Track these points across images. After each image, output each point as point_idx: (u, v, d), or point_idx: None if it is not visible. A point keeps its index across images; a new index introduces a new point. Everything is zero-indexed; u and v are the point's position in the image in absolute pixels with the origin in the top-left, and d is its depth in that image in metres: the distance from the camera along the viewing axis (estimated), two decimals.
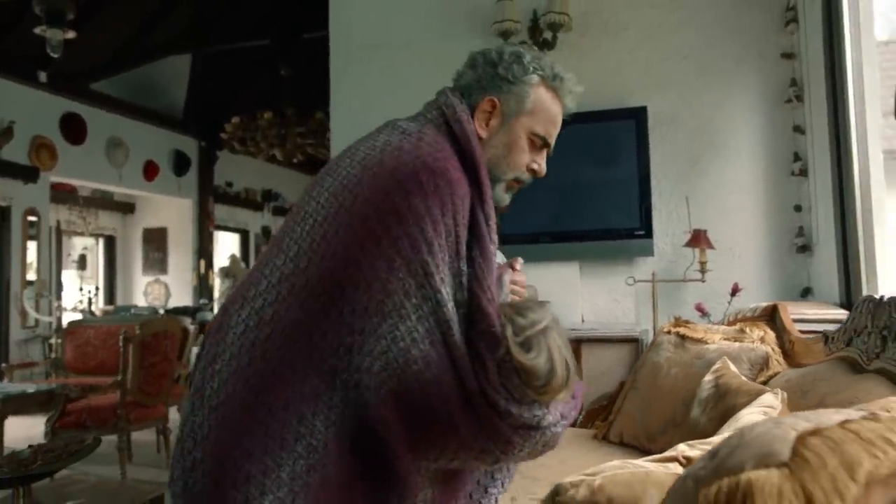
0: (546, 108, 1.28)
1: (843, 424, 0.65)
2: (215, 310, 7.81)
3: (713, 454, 0.68)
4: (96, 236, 9.01)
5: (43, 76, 6.56)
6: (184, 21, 7.27)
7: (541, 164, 1.29)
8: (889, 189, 2.72)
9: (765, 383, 1.87)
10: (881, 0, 2.68)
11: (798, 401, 1.52)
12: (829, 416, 0.68)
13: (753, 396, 1.46)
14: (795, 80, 3.25)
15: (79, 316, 7.09)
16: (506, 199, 1.28)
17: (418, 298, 1.03)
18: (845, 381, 1.48)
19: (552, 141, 1.30)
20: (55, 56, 4.67)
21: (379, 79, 3.95)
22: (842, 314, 2.35)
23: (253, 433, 1.03)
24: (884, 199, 2.65)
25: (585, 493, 0.90)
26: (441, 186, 1.07)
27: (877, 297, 1.51)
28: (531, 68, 1.25)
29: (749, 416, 1.29)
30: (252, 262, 8.86)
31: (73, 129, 7.07)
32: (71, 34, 4.54)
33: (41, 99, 6.77)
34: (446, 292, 1.05)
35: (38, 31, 4.58)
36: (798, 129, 3.25)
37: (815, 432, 0.63)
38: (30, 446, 2.28)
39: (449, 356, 1.02)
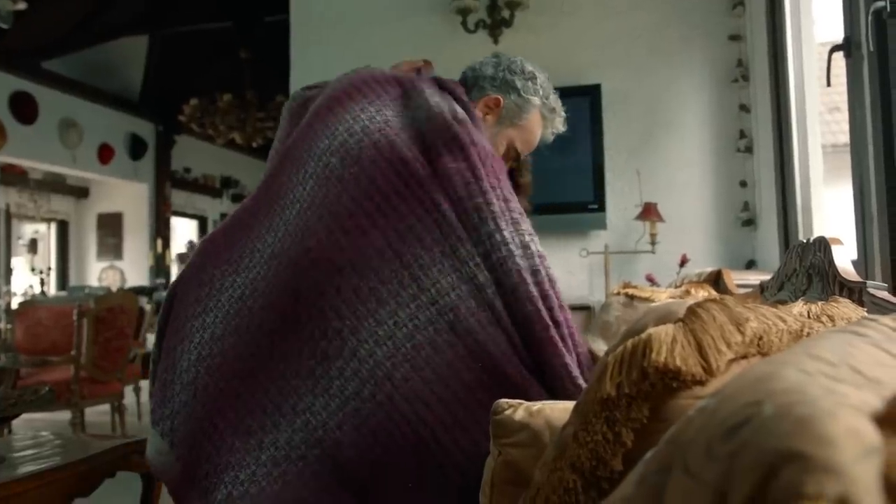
0: (532, 130, 1.42)
1: (744, 304, 0.72)
2: None
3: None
4: (48, 221, 8.77)
5: None
6: (141, 1, 7.12)
7: None
8: (834, 179, 2.86)
9: None
10: (821, 3, 2.82)
11: None
12: None
13: None
14: (741, 60, 3.39)
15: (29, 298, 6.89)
16: None
17: (413, 289, 1.05)
18: None
19: (519, 163, 1.42)
20: (5, 27, 4.54)
21: (339, 56, 3.96)
22: None
23: (253, 392, 1.07)
24: (820, 176, 2.78)
25: (523, 415, 0.93)
26: (412, 186, 1.11)
27: (805, 240, 1.58)
28: (540, 91, 1.39)
29: None
30: None
31: (24, 108, 6.87)
32: (22, 5, 4.42)
33: None
34: (447, 282, 1.06)
35: None
36: (744, 108, 3.39)
37: (713, 300, 0.68)
38: None
39: (462, 342, 1.03)
